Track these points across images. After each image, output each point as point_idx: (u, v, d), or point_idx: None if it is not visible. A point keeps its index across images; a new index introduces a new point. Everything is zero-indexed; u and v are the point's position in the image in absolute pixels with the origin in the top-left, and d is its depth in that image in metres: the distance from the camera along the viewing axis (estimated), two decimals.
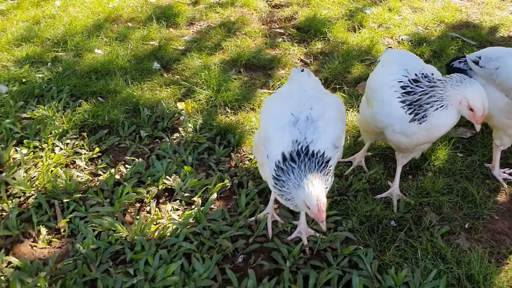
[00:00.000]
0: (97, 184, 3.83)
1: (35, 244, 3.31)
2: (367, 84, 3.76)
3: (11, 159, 3.98)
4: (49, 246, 3.30)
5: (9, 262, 3.11)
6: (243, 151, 4.40)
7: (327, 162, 2.90)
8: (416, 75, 3.42)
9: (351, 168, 4.17)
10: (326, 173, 2.90)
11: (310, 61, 6.02)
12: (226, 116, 4.84)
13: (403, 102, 3.35)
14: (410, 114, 3.31)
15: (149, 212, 3.63)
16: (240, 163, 4.21)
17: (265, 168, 3.08)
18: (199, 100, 5.04)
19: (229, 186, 3.93)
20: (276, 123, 3.08)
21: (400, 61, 3.61)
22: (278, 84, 5.42)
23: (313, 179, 2.78)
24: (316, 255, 3.40)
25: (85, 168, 4.01)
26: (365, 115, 3.75)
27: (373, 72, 3.80)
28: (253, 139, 3.59)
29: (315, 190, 2.74)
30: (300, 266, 3.27)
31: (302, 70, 3.61)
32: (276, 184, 2.91)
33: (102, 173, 3.96)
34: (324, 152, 2.90)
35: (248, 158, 4.28)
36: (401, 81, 3.41)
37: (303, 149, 2.88)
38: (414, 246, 3.42)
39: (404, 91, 3.36)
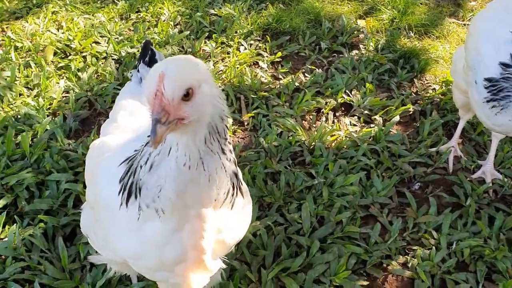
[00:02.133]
0: (278, 87, 3.88)
1: None
2: None
3: (201, 50, 4.17)
4: (233, 135, 3.47)
5: None
6: (426, 79, 4.13)
7: None
8: None
9: None
10: None
11: None
12: (410, 41, 4.53)
13: None
14: None
15: (325, 122, 3.62)
16: (423, 91, 3.96)
17: (472, 94, 2.83)
18: (382, 19, 4.76)
19: (411, 112, 3.74)
20: (489, 40, 2.76)
21: None
22: (469, 16, 4.91)
23: None
24: (501, 199, 3.15)
25: (266, 70, 4.07)
26: None
27: None
28: (453, 56, 3.32)
29: None
30: (482, 206, 3.07)
31: None
32: (495, 98, 2.65)
33: (282, 78, 4.00)
34: None
35: (432, 88, 4.00)
36: None
37: None
38: None
39: None
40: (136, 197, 1.54)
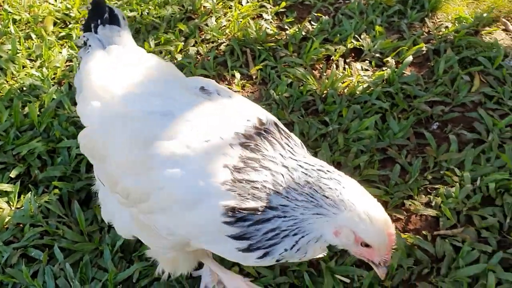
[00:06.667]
0: (284, 38, 3.76)
1: (230, 86, 3.41)
2: None
3: (202, 6, 4.04)
4: (242, 90, 3.38)
5: None
6: (438, 18, 3.96)
7: None
8: None
9: None
10: None
11: None
12: None
13: None
14: None
15: (336, 69, 3.50)
16: (435, 30, 3.80)
17: None
18: None
19: (424, 52, 3.60)
20: None
21: None
22: None
23: None
24: None
25: (271, 22, 3.94)
26: None
27: None
28: None
29: None
30: (505, 140, 2.96)
31: None
32: None
33: (288, 28, 3.86)
34: None
35: (445, 26, 3.84)
36: None
37: None
38: None
39: None
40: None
